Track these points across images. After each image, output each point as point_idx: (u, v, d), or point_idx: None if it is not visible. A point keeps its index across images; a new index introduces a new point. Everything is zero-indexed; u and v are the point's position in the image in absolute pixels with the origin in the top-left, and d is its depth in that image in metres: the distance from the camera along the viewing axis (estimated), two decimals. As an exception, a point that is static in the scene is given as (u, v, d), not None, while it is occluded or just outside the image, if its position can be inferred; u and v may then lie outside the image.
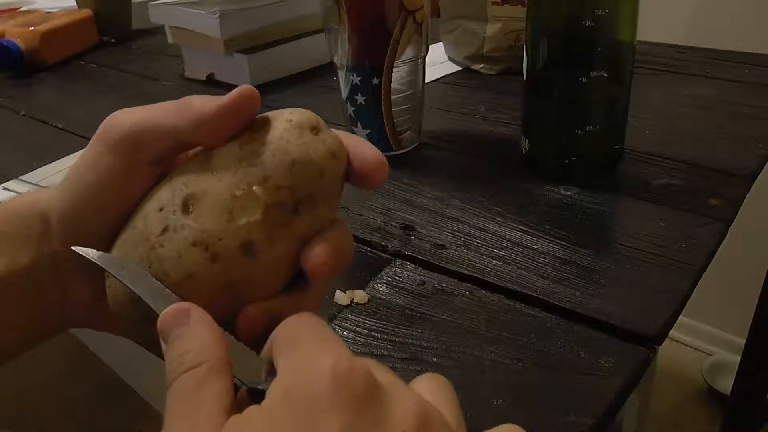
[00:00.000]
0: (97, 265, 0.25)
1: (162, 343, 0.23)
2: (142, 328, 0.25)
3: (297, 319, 0.23)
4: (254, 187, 0.24)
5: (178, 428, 0.20)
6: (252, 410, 0.20)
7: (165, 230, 0.24)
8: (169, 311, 0.23)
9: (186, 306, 0.23)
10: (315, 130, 0.25)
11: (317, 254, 0.24)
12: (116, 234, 0.26)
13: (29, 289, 0.27)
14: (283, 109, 0.26)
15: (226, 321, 0.24)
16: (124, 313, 0.25)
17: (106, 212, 0.26)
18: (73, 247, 0.25)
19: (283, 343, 0.22)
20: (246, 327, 0.25)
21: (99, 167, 0.26)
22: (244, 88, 0.25)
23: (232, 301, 0.24)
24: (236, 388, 0.22)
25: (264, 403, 0.20)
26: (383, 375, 0.21)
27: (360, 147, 0.26)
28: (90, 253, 0.25)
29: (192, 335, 0.22)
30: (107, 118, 0.26)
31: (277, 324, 0.23)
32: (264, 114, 0.26)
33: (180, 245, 0.24)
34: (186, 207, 0.24)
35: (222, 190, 0.24)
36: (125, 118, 0.26)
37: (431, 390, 0.22)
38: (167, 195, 0.25)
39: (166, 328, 0.23)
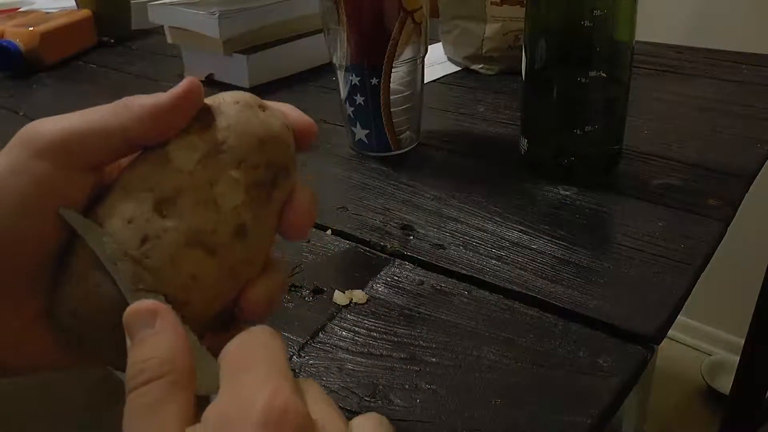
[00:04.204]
0: (24, 283, 0.23)
1: (127, 338, 0.22)
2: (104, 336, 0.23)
3: (248, 337, 0.22)
4: (231, 172, 0.24)
5: None
6: None
7: (145, 240, 0.23)
8: (136, 309, 0.22)
9: (153, 307, 0.22)
10: (262, 107, 0.26)
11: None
12: (50, 256, 0.24)
13: None
14: (218, 95, 0.26)
15: (227, 308, 0.25)
16: (92, 289, 0.23)
17: (32, 228, 0.23)
18: (60, 208, 0.23)
19: (230, 363, 0.21)
20: (251, 313, 0.25)
21: (24, 175, 0.23)
22: (189, 78, 0.24)
23: (234, 286, 0.25)
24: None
25: (193, 428, 0.19)
26: (323, 409, 0.20)
27: (294, 115, 0.27)
28: (76, 218, 0.23)
29: (157, 341, 0.21)
30: (25, 126, 0.24)
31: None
32: (205, 101, 0.26)
33: (170, 250, 0.23)
34: (160, 211, 0.23)
35: (197, 183, 0.23)
36: (51, 124, 0.24)
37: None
38: (131, 205, 0.23)
39: (132, 327, 0.22)
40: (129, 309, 0.22)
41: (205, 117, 0.25)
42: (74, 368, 0.27)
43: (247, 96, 0.26)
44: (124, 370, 0.23)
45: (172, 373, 0.20)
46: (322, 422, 0.20)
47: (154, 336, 0.21)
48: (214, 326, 0.25)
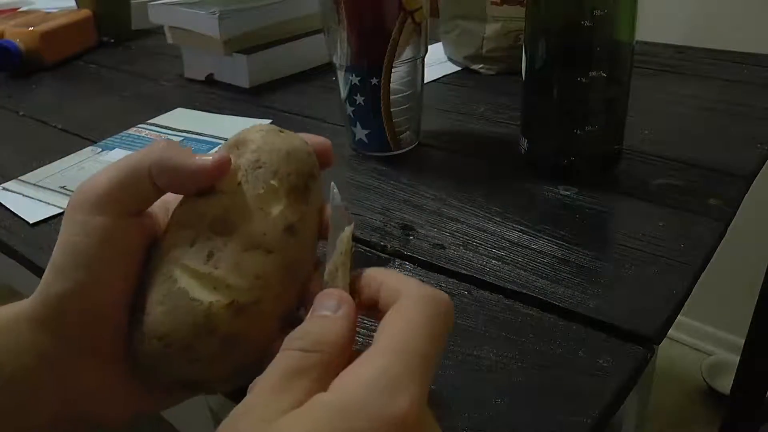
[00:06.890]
0: (102, 333, 0.26)
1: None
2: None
3: (406, 285, 0.25)
4: (271, 182, 0.27)
5: (261, 404, 0.21)
6: (309, 408, 0.20)
7: (210, 256, 0.26)
8: (329, 292, 0.24)
9: (342, 295, 0.24)
10: (281, 131, 0.30)
11: (316, 290, 0.27)
12: (122, 306, 0.27)
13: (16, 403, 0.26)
14: (242, 130, 0.30)
15: (291, 310, 0.27)
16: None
17: (112, 274, 0.26)
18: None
19: (384, 338, 0.22)
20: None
21: (91, 235, 0.26)
22: (223, 156, 0.28)
23: (293, 286, 0.27)
24: None
25: (328, 400, 0.20)
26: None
27: (308, 136, 0.31)
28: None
29: (327, 323, 0.23)
30: (71, 196, 0.27)
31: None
32: (231, 139, 0.30)
33: (233, 257, 0.26)
34: (215, 230, 0.27)
35: (243, 197, 0.27)
36: (91, 182, 0.27)
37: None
38: (188, 233, 0.27)
39: (317, 303, 0.24)
40: (324, 290, 0.25)
41: (236, 150, 0.29)
42: (149, 411, 0.29)
43: (266, 125, 0.31)
44: (198, 389, 0.26)
45: (321, 354, 0.22)
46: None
47: (328, 318, 0.23)
48: (283, 329, 0.26)
